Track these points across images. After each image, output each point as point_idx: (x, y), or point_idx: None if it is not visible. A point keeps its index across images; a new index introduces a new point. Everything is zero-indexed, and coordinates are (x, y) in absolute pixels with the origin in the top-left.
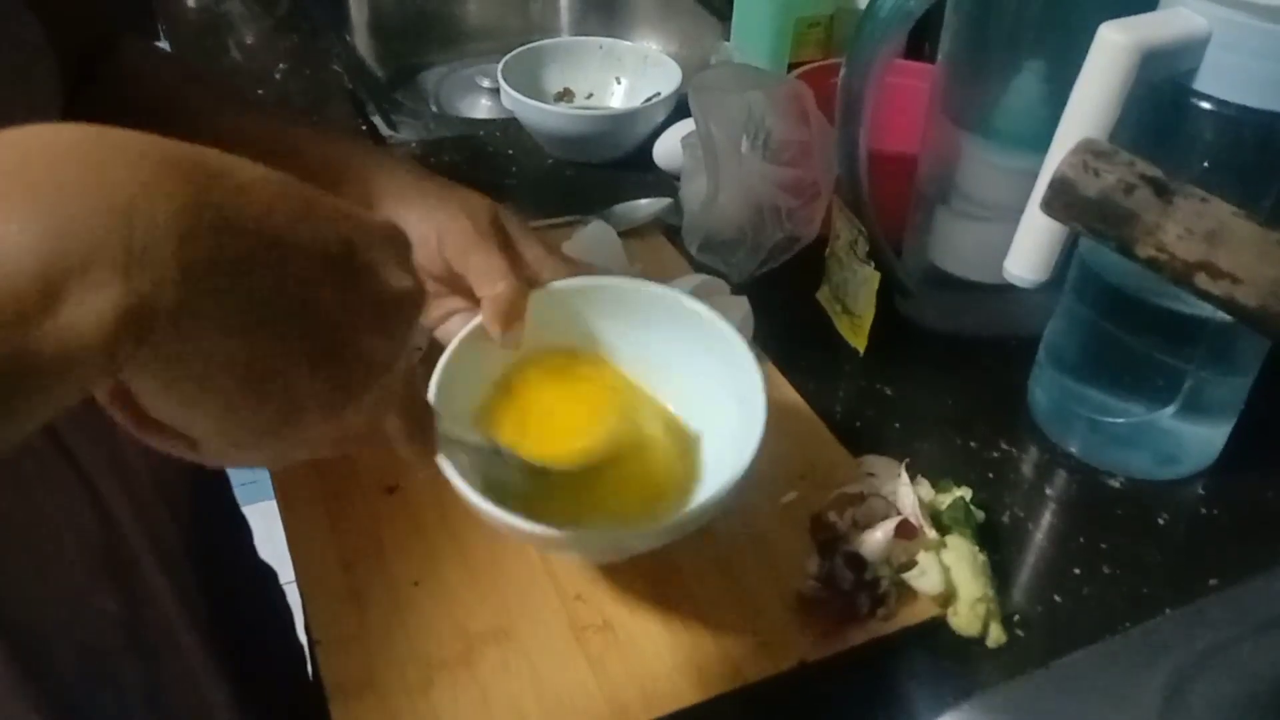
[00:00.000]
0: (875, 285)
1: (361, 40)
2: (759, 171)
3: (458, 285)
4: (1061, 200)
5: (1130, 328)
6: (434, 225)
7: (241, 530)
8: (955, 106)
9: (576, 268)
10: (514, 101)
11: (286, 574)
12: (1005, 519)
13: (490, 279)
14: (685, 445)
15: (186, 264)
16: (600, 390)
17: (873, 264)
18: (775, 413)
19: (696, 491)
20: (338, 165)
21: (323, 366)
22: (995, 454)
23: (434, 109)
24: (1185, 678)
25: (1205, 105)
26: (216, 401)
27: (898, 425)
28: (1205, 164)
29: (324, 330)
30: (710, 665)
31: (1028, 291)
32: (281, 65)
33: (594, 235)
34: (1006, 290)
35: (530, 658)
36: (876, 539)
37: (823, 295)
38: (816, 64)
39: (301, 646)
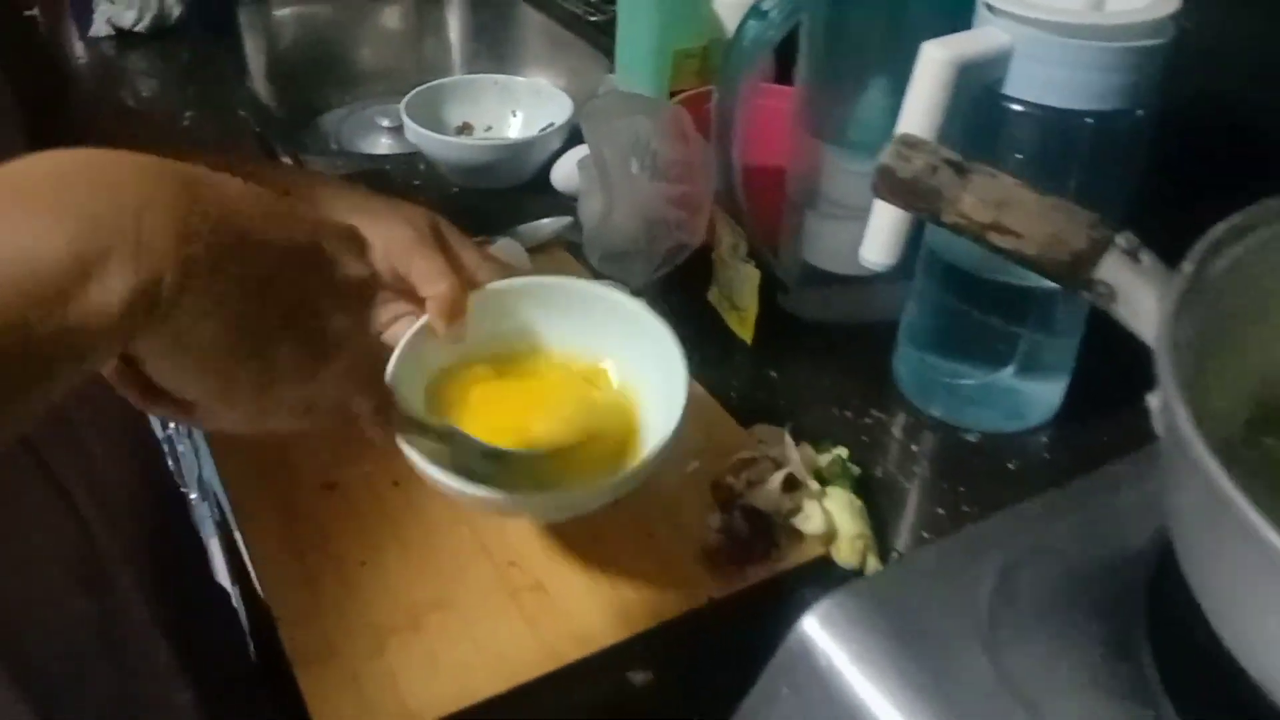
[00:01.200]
0: (756, 282)
1: (261, 87)
2: (648, 188)
3: (403, 290)
4: (884, 184)
5: (971, 301)
6: (379, 235)
7: (199, 548)
8: (814, 122)
9: (510, 270)
10: (419, 136)
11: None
12: (879, 473)
13: (433, 280)
14: (622, 418)
15: (183, 255)
16: (541, 378)
17: (752, 263)
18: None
19: (633, 457)
20: (288, 187)
21: (293, 336)
22: (868, 420)
23: (335, 148)
24: (1014, 565)
25: (1015, 107)
26: (208, 365)
27: (783, 402)
28: (1019, 156)
29: (293, 307)
30: (632, 609)
31: (888, 280)
32: (189, 112)
33: (504, 251)
34: (870, 281)
35: (471, 619)
36: (767, 492)
37: (713, 295)
38: (694, 90)
39: (257, 665)
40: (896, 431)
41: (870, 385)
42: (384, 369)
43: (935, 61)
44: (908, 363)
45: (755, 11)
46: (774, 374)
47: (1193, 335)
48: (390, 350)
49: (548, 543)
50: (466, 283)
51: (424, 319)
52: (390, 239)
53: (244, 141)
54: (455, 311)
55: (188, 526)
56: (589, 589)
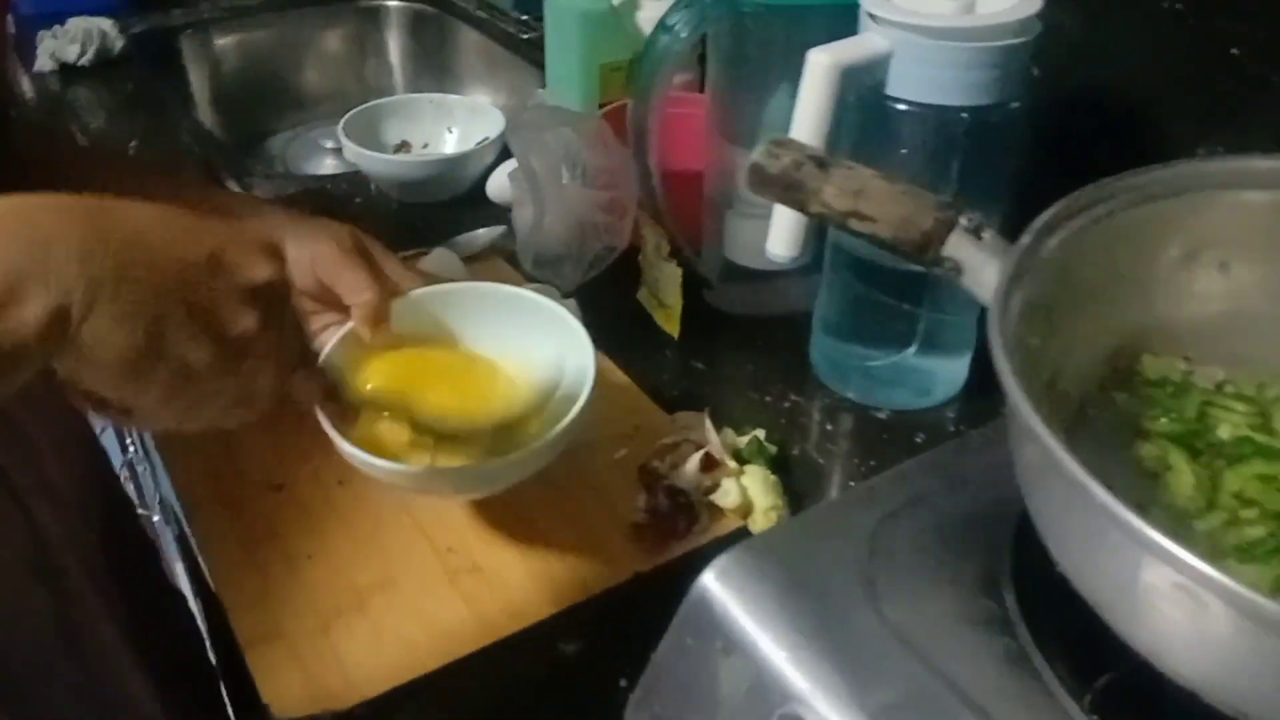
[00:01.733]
0: (679, 281)
1: (205, 114)
2: (577, 195)
3: (331, 301)
4: (756, 179)
5: (873, 287)
6: (306, 251)
7: (150, 549)
8: (725, 126)
9: (431, 279)
10: (356, 155)
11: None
12: (796, 451)
13: (357, 290)
14: (541, 405)
15: (88, 275)
16: (465, 374)
17: (674, 263)
18: (607, 390)
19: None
20: (220, 207)
21: (198, 339)
22: (787, 404)
23: (282, 170)
24: (893, 515)
25: (898, 106)
26: (124, 371)
27: (708, 391)
28: (904, 151)
29: (196, 313)
30: (562, 586)
31: (803, 273)
32: (134, 142)
33: (439, 260)
34: (787, 274)
35: (413, 600)
36: (687, 471)
37: (642, 294)
38: (621, 101)
39: (213, 664)
40: (813, 413)
41: (789, 371)
42: (313, 355)
43: (820, 66)
44: (821, 349)
45: (662, 26)
46: (700, 365)
47: (1041, 301)
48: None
49: (486, 528)
50: (390, 291)
51: (349, 325)
52: (317, 254)
53: (188, 168)
54: (379, 318)
55: (134, 528)
56: (523, 569)
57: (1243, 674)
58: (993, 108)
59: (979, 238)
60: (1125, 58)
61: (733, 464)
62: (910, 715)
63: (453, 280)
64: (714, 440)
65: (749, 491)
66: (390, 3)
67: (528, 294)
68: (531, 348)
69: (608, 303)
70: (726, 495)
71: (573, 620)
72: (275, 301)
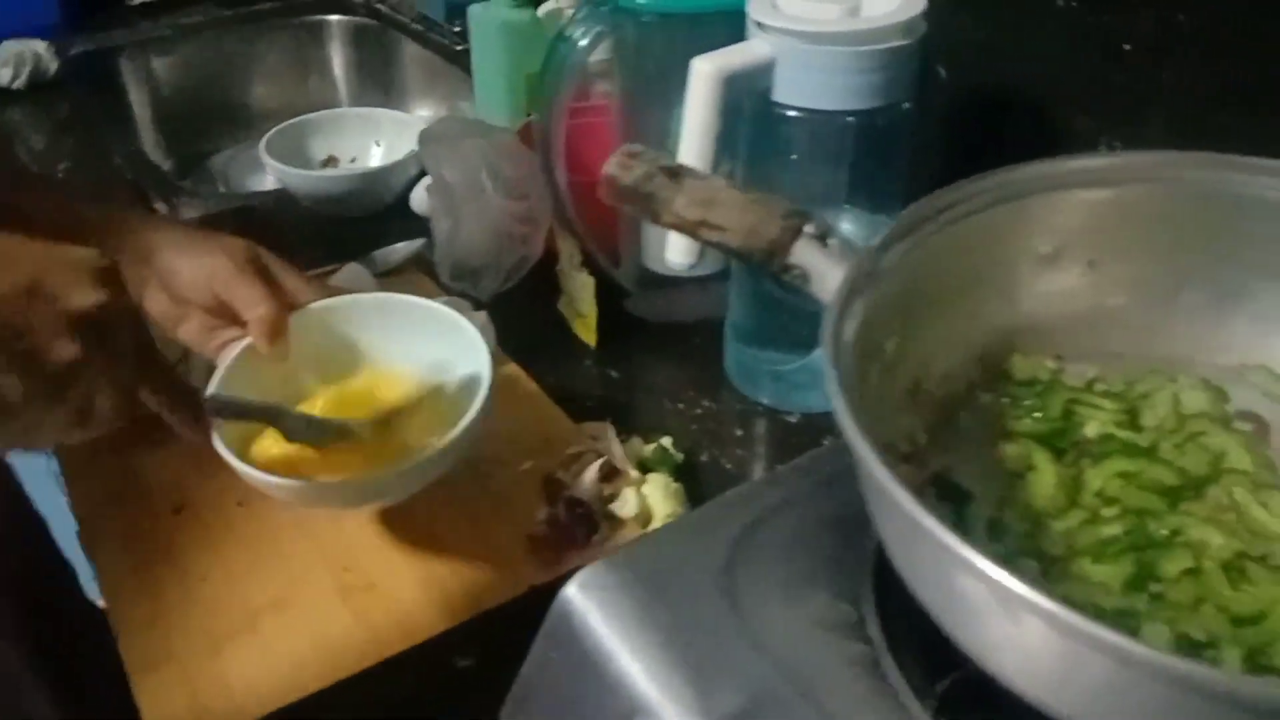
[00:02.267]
0: (592, 289)
1: (147, 134)
2: (494, 206)
3: (229, 316)
4: (609, 191)
5: (778, 291)
6: (202, 267)
7: (65, 570)
8: (632, 135)
9: (332, 291)
10: (278, 171)
11: None
12: (705, 458)
13: (253, 304)
14: (437, 416)
15: None
16: (366, 384)
17: (587, 271)
18: (517, 401)
19: None
20: (117, 226)
21: (22, 368)
22: (700, 410)
23: (223, 189)
24: (759, 520)
25: (787, 112)
26: None
27: (623, 399)
28: (794, 157)
29: (15, 342)
30: (457, 601)
31: (718, 279)
32: (64, 164)
33: (350, 275)
34: (703, 281)
35: (306, 620)
36: (585, 482)
37: (562, 304)
38: None
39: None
40: (725, 419)
41: (704, 378)
42: (159, 368)
43: (703, 75)
44: (734, 355)
45: (560, 37)
46: (614, 373)
47: (897, 304)
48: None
49: (384, 546)
50: (287, 305)
51: (247, 340)
52: (213, 269)
53: (116, 191)
54: (275, 331)
55: (46, 549)
56: (419, 585)
57: (1056, 678)
58: (881, 110)
59: (825, 244)
60: (1027, 56)
61: (635, 473)
62: None
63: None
64: (616, 449)
65: (649, 500)
66: (331, 17)
67: (428, 305)
68: (432, 358)
69: (528, 313)
70: (625, 504)
71: (466, 635)
72: (104, 326)
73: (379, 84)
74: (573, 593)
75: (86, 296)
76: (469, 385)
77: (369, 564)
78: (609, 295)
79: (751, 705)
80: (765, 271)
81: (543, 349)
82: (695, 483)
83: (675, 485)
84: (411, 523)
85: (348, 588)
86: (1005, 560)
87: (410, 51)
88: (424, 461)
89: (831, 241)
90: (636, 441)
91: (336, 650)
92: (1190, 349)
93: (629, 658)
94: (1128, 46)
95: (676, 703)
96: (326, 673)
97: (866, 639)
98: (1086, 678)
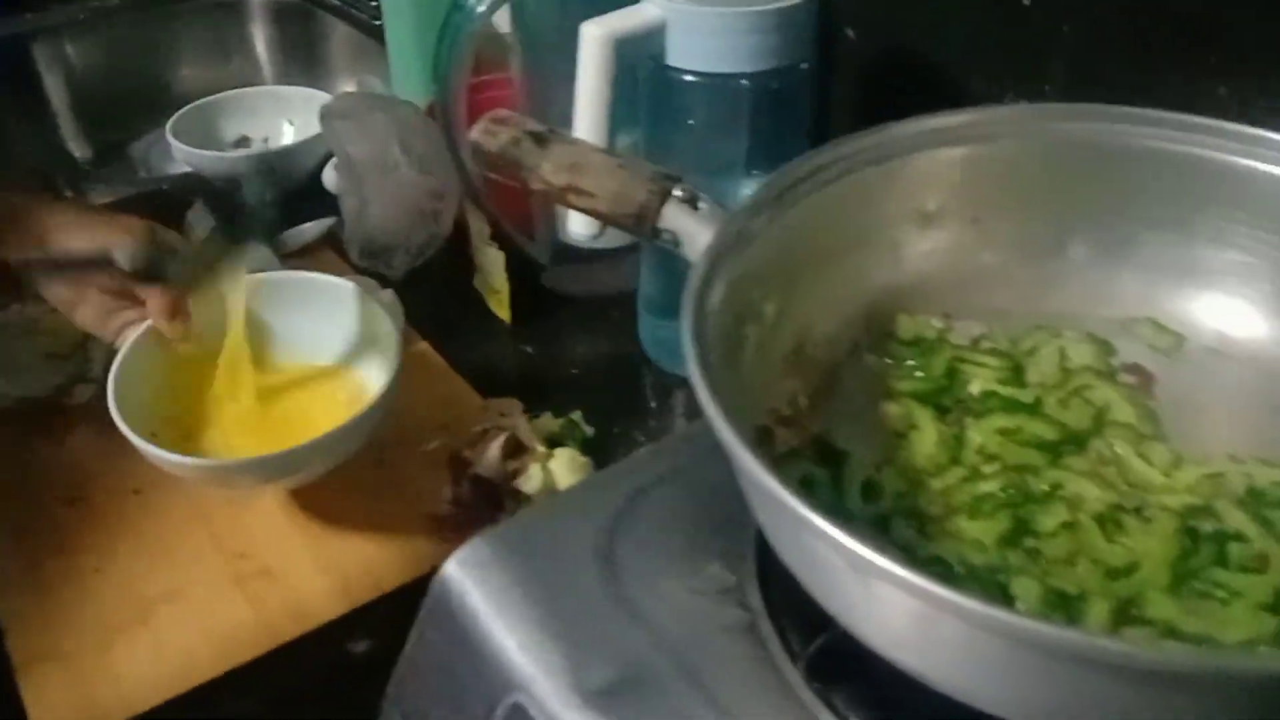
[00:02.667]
0: (503, 264)
1: (66, 122)
2: (404, 182)
3: (129, 297)
4: (477, 158)
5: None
6: (99, 243)
7: None
8: (534, 107)
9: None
10: (182, 153)
11: None
12: (617, 430)
13: (153, 284)
14: (347, 393)
15: None
16: (273, 367)
17: (496, 246)
18: (426, 380)
19: None
20: (13, 209)
21: None
22: (614, 383)
23: (144, 174)
24: (643, 490)
25: (682, 76)
26: None
27: (537, 375)
28: (691, 122)
29: None
30: (355, 584)
31: (635, 251)
32: None
33: (254, 256)
34: (619, 253)
35: (199, 609)
36: (489, 459)
37: (477, 280)
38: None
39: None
40: (639, 391)
41: (620, 350)
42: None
43: (593, 39)
44: (647, 326)
45: (455, 5)
46: (530, 349)
47: (773, 268)
48: None
49: (282, 531)
50: (188, 286)
51: (148, 323)
52: (110, 245)
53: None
54: (175, 312)
55: None
56: (317, 571)
57: (908, 637)
58: (777, 72)
59: (695, 208)
60: (933, 16)
61: (542, 448)
62: (627, 693)
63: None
64: (522, 425)
65: (555, 474)
66: None
67: (332, 282)
68: (339, 337)
69: (444, 290)
70: (529, 481)
71: (363, 619)
72: None
73: (303, 63)
74: (450, 570)
75: None
76: (376, 363)
77: (266, 551)
78: (525, 270)
79: (625, 676)
80: (638, 235)
81: (457, 326)
82: (607, 456)
83: (583, 459)
84: (312, 508)
85: (244, 575)
86: (880, 520)
87: (334, 28)
88: (330, 437)
89: (702, 205)
90: (547, 416)
91: (229, 639)
92: (1077, 303)
93: (505, 633)
94: (1027, 2)
95: (550, 677)
96: (218, 662)
97: (746, 605)
98: (934, 635)
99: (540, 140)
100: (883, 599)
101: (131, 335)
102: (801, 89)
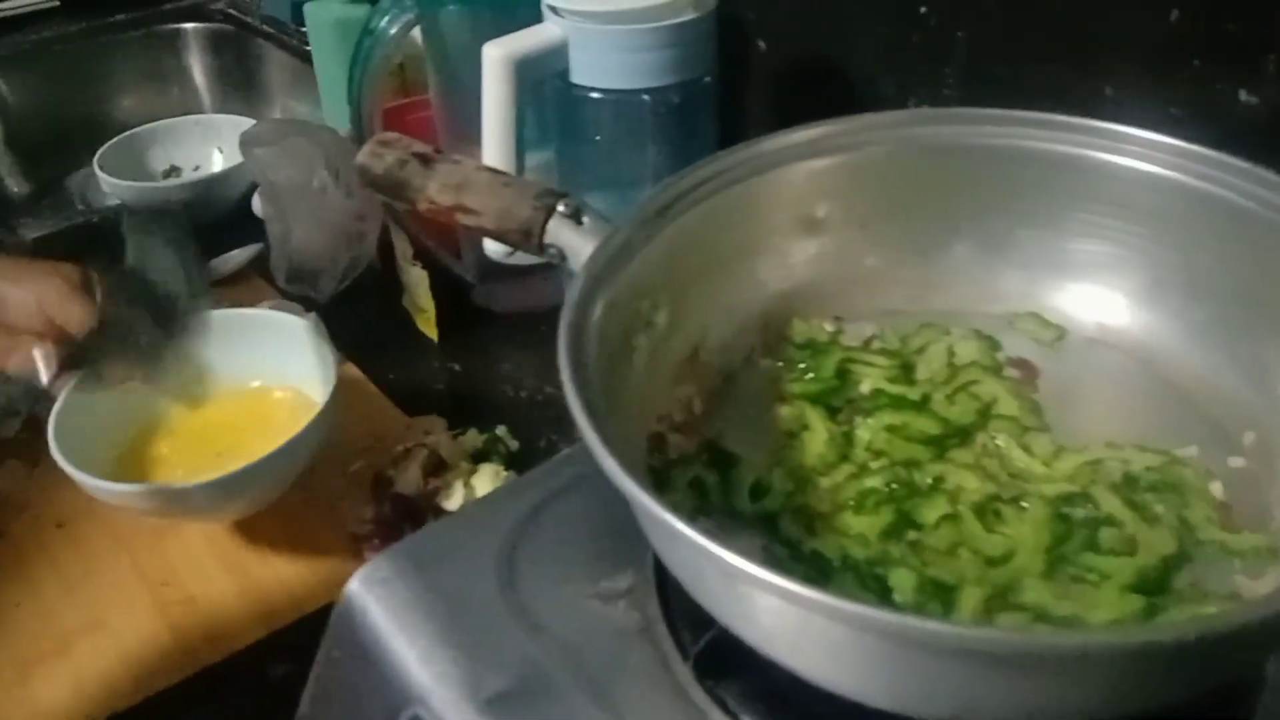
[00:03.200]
0: (427, 283)
1: (2, 158)
2: (330, 205)
3: (61, 337)
4: (364, 179)
5: None
6: (31, 290)
7: None
8: (451, 127)
9: None
10: (109, 185)
11: None
12: (543, 444)
13: (83, 324)
14: (279, 423)
15: None
16: (215, 402)
17: (419, 265)
18: (353, 401)
19: None
20: None
21: None
22: (541, 398)
23: (81, 207)
24: (547, 499)
25: (584, 93)
26: None
27: (464, 392)
28: (598, 137)
29: None
30: (277, 608)
31: (558, 268)
32: None
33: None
34: (543, 269)
35: (120, 638)
36: (409, 477)
37: (406, 300)
38: (399, 103)
39: None
40: (565, 405)
41: (547, 365)
42: None
43: (494, 59)
44: None
45: (365, 30)
46: (458, 367)
47: (660, 279)
48: None
49: (205, 558)
50: None
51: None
52: (43, 291)
53: None
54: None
55: None
56: (239, 596)
57: (773, 632)
58: (678, 86)
59: (579, 223)
60: (838, 24)
61: (464, 464)
62: (522, 701)
63: None
64: (443, 442)
65: (476, 490)
66: (187, 25)
67: (258, 314)
68: (269, 367)
69: (373, 311)
70: (450, 498)
71: (283, 643)
72: None
73: (241, 90)
74: (353, 588)
75: None
76: (313, 386)
77: (189, 578)
78: (454, 289)
79: (520, 685)
80: (527, 251)
81: (386, 346)
82: (528, 465)
83: (506, 474)
84: (236, 534)
85: (165, 603)
86: (768, 519)
87: (271, 56)
88: (270, 459)
89: (586, 219)
90: (473, 432)
91: (150, 667)
92: (964, 301)
93: (405, 647)
94: (924, 9)
95: (446, 688)
96: (137, 690)
97: (644, 609)
98: (800, 631)
99: (426, 161)
100: (747, 599)
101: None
102: (704, 102)
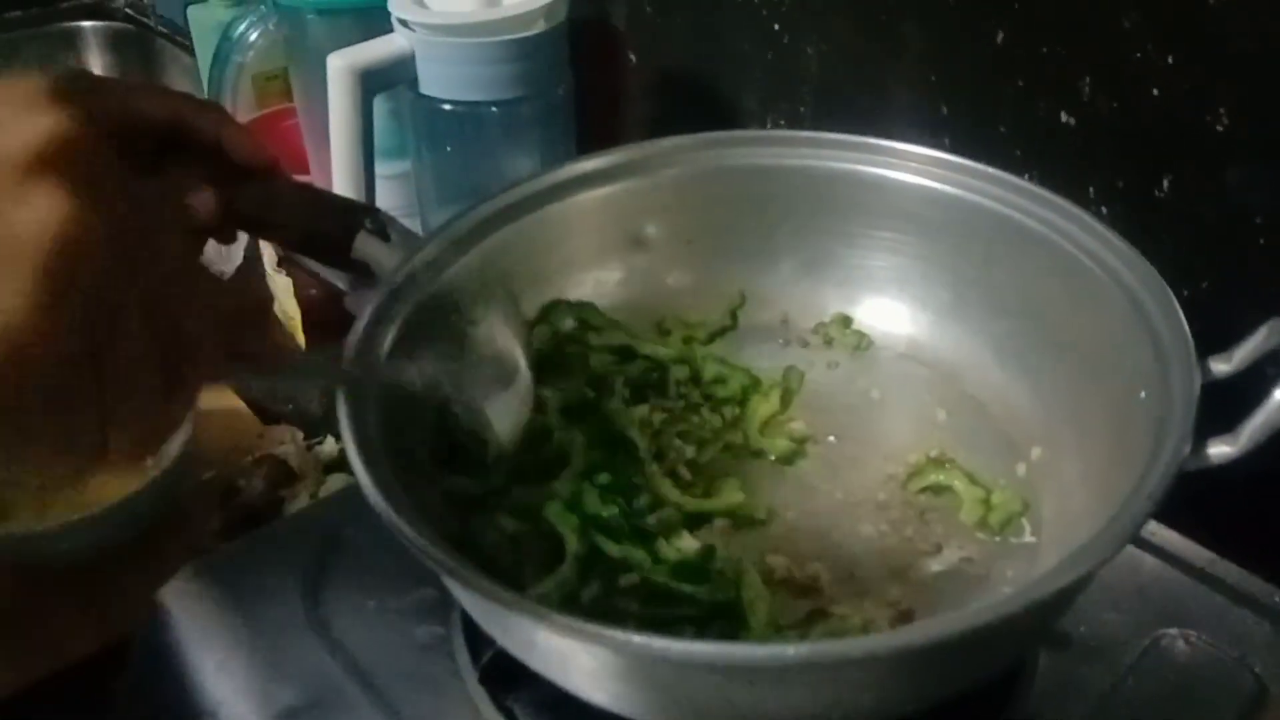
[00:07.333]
0: (291, 290)
1: None
2: None
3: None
4: None
5: None
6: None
7: None
8: (315, 134)
9: None
10: None
11: None
12: None
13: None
14: None
15: None
16: None
17: (283, 272)
18: (208, 410)
19: None
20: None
21: None
22: None
23: None
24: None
25: (436, 105)
26: None
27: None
28: (449, 148)
29: None
30: (118, 621)
31: None
32: None
33: None
34: None
35: None
36: (254, 487)
37: (276, 308)
38: (272, 110)
39: None
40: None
41: None
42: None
43: (338, 70)
44: None
45: (224, 37)
46: None
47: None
48: None
49: (41, 577)
50: None
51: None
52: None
53: None
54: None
55: None
56: (77, 612)
57: (536, 652)
58: (528, 99)
59: (386, 238)
60: (704, 40)
61: (315, 473)
62: (312, 715)
63: None
64: (294, 452)
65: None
66: (86, 24)
67: None
68: None
69: None
70: (295, 509)
71: (125, 655)
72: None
73: None
74: (161, 598)
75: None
76: None
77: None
78: (324, 296)
79: (312, 698)
80: (339, 268)
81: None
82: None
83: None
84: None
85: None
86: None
87: (174, 56)
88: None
89: (394, 233)
90: (330, 441)
91: None
92: (783, 312)
93: (203, 659)
94: (777, 27)
95: (239, 700)
96: None
97: (445, 622)
98: (556, 653)
99: None
100: (507, 625)
101: None
102: (556, 114)
